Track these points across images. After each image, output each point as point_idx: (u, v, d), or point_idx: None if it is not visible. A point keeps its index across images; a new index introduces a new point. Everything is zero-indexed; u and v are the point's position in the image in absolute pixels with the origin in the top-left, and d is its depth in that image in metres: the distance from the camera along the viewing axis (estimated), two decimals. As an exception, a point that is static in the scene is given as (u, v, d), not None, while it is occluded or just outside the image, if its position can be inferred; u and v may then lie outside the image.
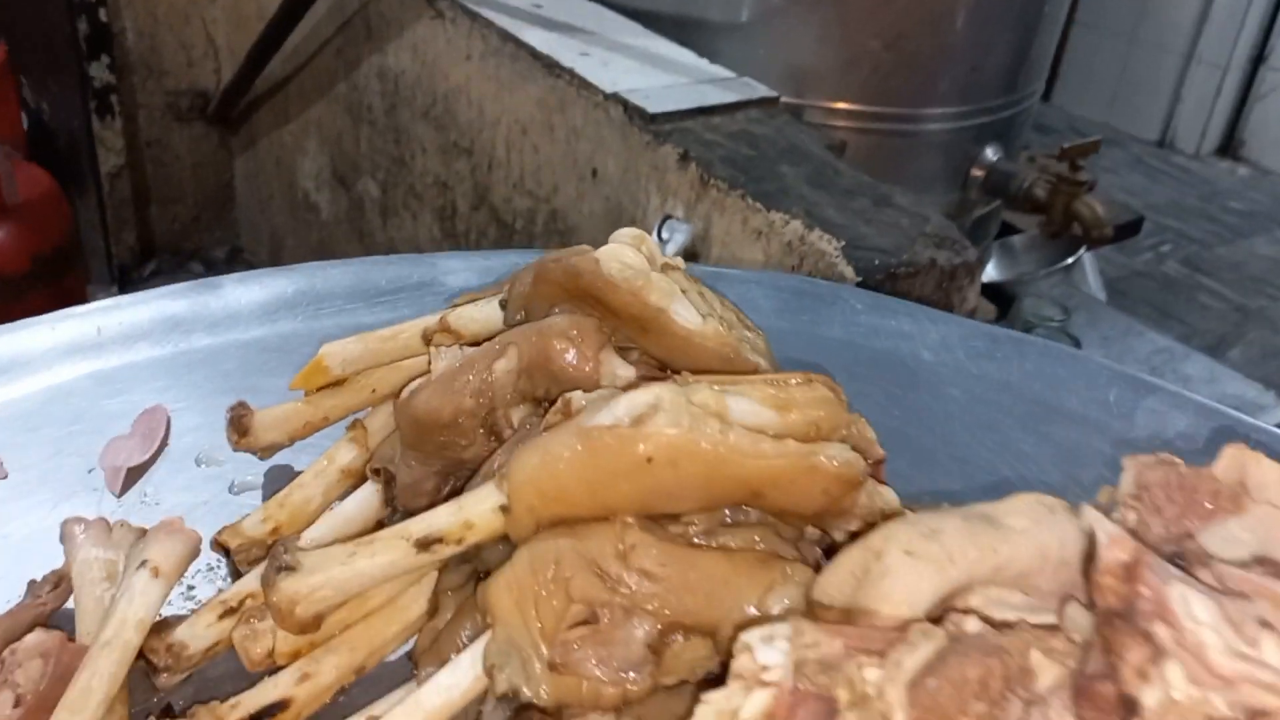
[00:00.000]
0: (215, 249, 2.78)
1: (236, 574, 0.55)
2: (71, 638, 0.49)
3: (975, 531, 0.37)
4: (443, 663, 0.47)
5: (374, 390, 0.60)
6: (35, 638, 0.47)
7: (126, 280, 2.61)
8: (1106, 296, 2.62)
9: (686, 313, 0.52)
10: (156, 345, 0.71)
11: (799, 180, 1.31)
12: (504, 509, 0.45)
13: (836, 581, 0.37)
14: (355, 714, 0.47)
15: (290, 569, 0.47)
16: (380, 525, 0.56)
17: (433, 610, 0.50)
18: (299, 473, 0.62)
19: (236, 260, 2.78)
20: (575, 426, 0.44)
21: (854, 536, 0.47)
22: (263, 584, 0.48)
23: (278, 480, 0.62)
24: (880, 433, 0.63)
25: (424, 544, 0.46)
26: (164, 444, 0.64)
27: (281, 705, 0.47)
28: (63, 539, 0.54)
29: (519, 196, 1.75)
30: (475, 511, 0.46)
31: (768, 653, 0.35)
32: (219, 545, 0.55)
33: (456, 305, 0.60)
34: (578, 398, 0.49)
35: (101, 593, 0.51)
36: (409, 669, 0.50)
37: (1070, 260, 2.23)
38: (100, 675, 0.45)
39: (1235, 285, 3.64)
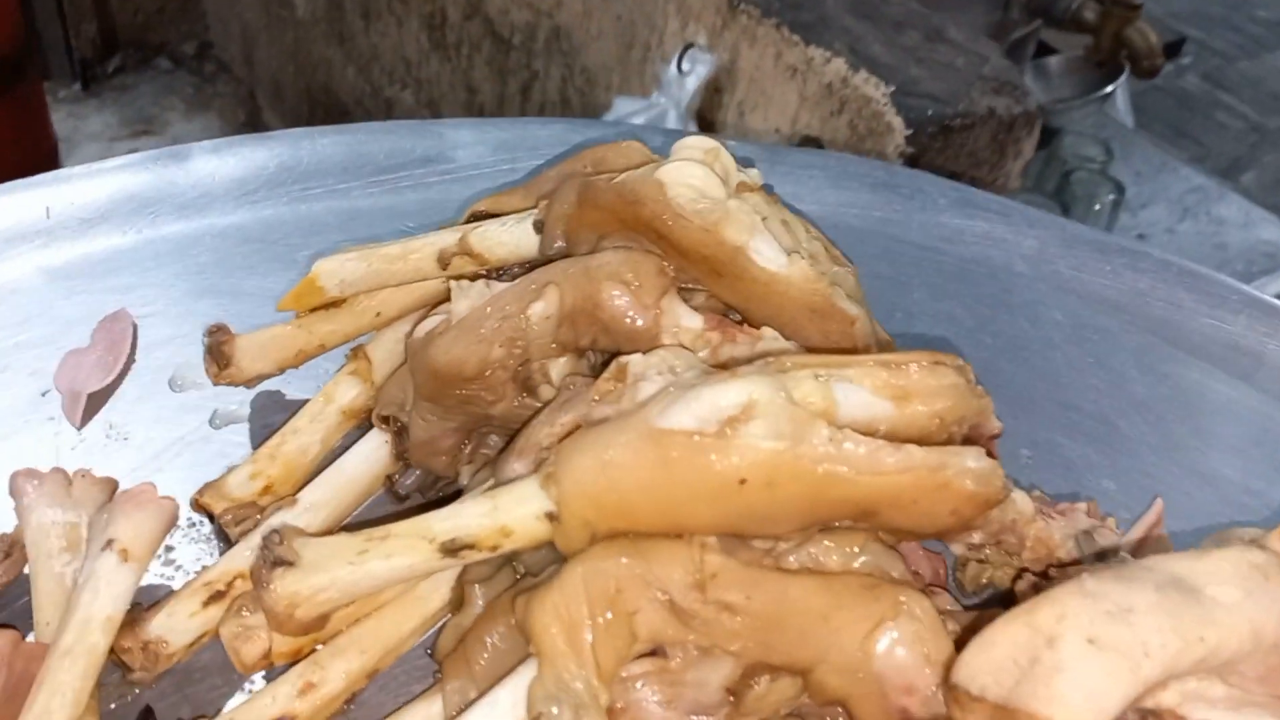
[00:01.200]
0: (183, 44, 2.58)
1: (222, 532, 0.47)
2: (25, 631, 0.41)
3: (1176, 611, 0.29)
4: (472, 673, 0.40)
5: (378, 314, 0.50)
6: (-15, 643, 0.39)
7: (89, 78, 2.43)
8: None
9: (769, 251, 0.42)
10: (116, 231, 0.60)
11: (841, 8, 1.17)
12: (551, 516, 0.36)
13: (991, 667, 0.29)
14: (370, 730, 0.40)
15: (288, 564, 0.39)
16: (390, 480, 0.48)
17: (458, 603, 0.42)
18: (289, 401, 0.53)
19: (205, 57, 2.58)
20: (644, 425, 0.35)
21: (975, 552, 0.39)
22: (254, 580, 0.40)
23: (266, 410, 0.53)
24: (970, 362, 0.54)
25: (450, 549, 0.38)
26: (130, 360, 0.54)
27: (282, 723, 0.40)
28: (12, 494, 0.46)
29: (517, 8, 1.58)
30: (514, 516, 0.37)
31: (913, 781, 0.27)
32: (200, 508, 0.46)
33: (477, 213, 0.50)
34: (637, 364, 0.40)
35: (61, 568, 0.43)
36: (429, 666, 0.43)
37: (1110, 89, 2.08)
38: (63, 693, 0.38)
39: (1255, 103, 3.47)
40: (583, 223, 0.43)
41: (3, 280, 0.57)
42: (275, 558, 0.39)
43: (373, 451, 0.47)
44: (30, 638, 0.42)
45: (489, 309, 0.43)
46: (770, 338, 0.42)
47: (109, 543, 0.41)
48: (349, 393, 0.49)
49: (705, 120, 1.28)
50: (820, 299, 0.42)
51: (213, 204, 0.62)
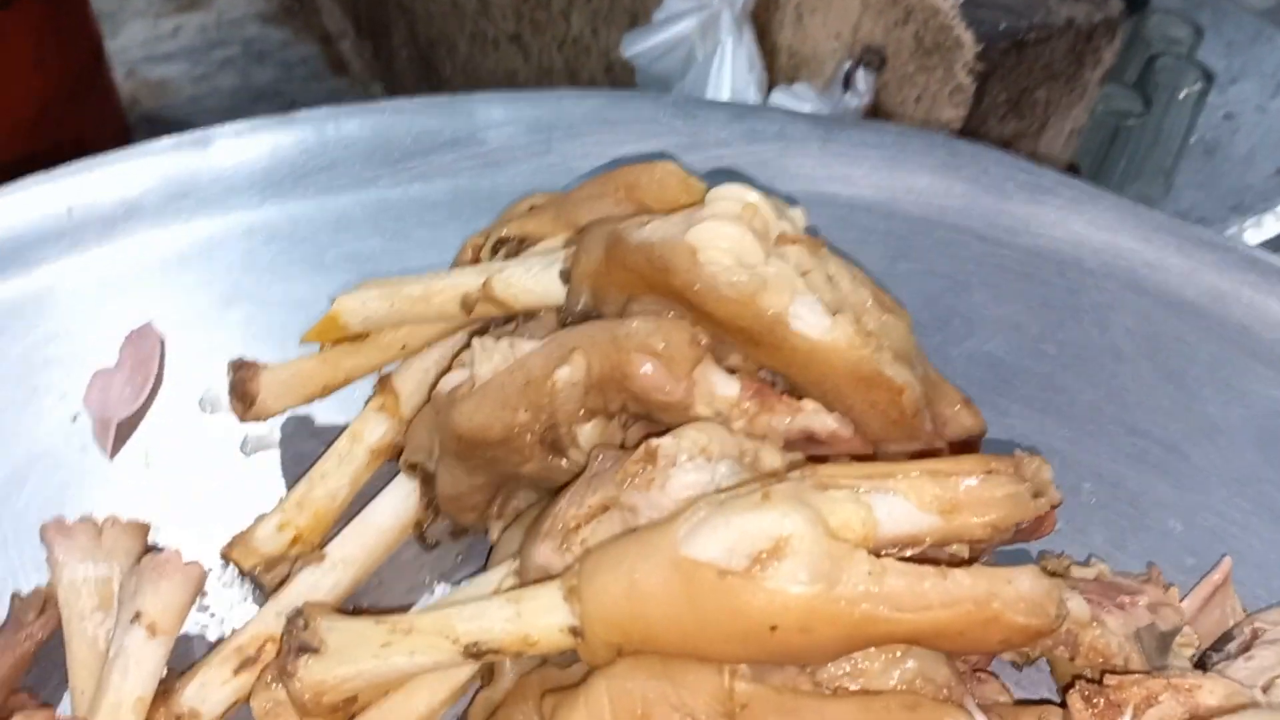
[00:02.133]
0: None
1: (254, 580, 0.47)
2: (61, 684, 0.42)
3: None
4: (503, 752, 0.39)
5: (404, 346, 0.48)
6: (18, 725, 0.39)
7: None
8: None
9: (810, 315, 0.38)
10: (141, 230, 0.58)
11: (909, -94, 1.07)
12: (575, 631, 0.35)
13: None
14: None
15: (313, 651, 0.38)
16: (419, 527, 0.47)
17: (488, 676, 0.42)
18: (320, 428, 0.52)
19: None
20: (671, 551, 0.33)
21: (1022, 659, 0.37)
22: (279, 670, 0.40)
23: (296, 436, 0.52)
24: (1032, 380, 0.51)
25: (473, 652, 0.36)
26: (159, 380, 0.53)
27: (313, 802, 0.40)
28: (44, 545, 0.45)
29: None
30: (537, 626, 0.35)
31: None
32: (229, 560, 0.46)
33: (502, 239, 0.47)
34: (668, 447, 0.37)
35: (94, 629, 0.43)
36: (462, 728, 0.43)
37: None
38: (97, 782, 0.38)
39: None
40: (611, 281, 0.40)
41: (27, 289, 0.56)
42: (300, 644, 0.38)
43: (401, 500, 0.46)
44: (66, 696, 0.43)
45: (513, 373, 0.41)
46: (812, 411, 0.39)
47: (137, 616, 0.41)
48: (376, 430, 0.47)
49: (761, 24, 1.21)
50: (866, 367, 0.39)
51: (236, 197, 0.59)
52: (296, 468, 0.50)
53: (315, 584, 0.44)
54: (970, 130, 1.07)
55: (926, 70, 1.04)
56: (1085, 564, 0.42)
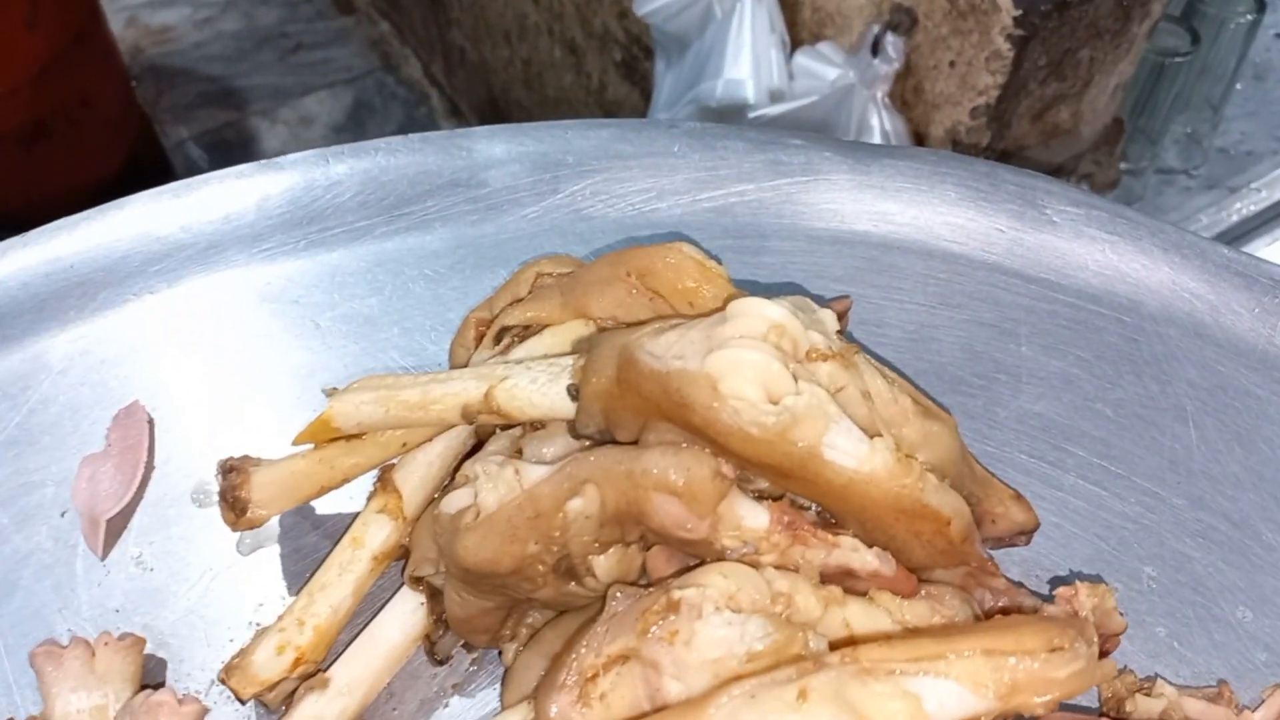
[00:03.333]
0: None
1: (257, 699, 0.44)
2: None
3: None
4: None
5: (404, 444, 0.45)
6: None
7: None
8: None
9: (846, 444, 0.35)
10: (128, 290, 0.54)
11: None
12: (596, 821, 0.32)
13: None
14: None
15: (316, 814, 0.36)
16: (429, 640, 0.44)
17: (506, 815, 0.39)
18: (321, 518, 0.49)
19: None
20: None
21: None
22: (283, 831, 0.37)
23: (296, 530, 0.49)
24: (1087, 444, 0.47)
25: (488, 826, 0.34)
26: (149, 468, 0.50)
27: None
28: (34, 672, 0.43)
29: None
30: (555, 810, 0.33)
31: None
32: (229, 688, 0.43)
33: (506, 328, 0.43)
34: (692, 598, 0.34)
35: (93, 768, 0.41)
36: None
37: None
38: None
39: None
40: (624, 405, 0.36)
41: (17, 360, 0.52)
42: (303, 805, 0.36)
43: (408, 614, 0.43)
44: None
45: (521, 505, 0.37)
46: (849, 547, 0.36)
47: (131, 762, 0.39)
48: (379, 534, 0.44)
49: (783, -19, 1.14)
50: (908, 499, 0.35)
51: (225, 253, 0.55)
52: (297, 563, 0.48)
53: (320, 714, 0.41)
54: (1008, 94, 1.01)
55: (961, 34, 0.97)
56: (1149, 686, 0.39)
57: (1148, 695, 0.38)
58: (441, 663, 0.44)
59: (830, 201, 0.54)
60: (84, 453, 0.50)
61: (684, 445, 0.36)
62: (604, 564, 0.38)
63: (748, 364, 0.34)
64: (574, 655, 0.36)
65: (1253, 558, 0.45)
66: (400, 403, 0.42)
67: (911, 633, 0.33)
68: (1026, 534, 0.42)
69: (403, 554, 0.45)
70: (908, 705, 0.29)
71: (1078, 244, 0.52)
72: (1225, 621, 0.44)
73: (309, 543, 0.48)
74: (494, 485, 0.37)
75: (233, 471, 0.45)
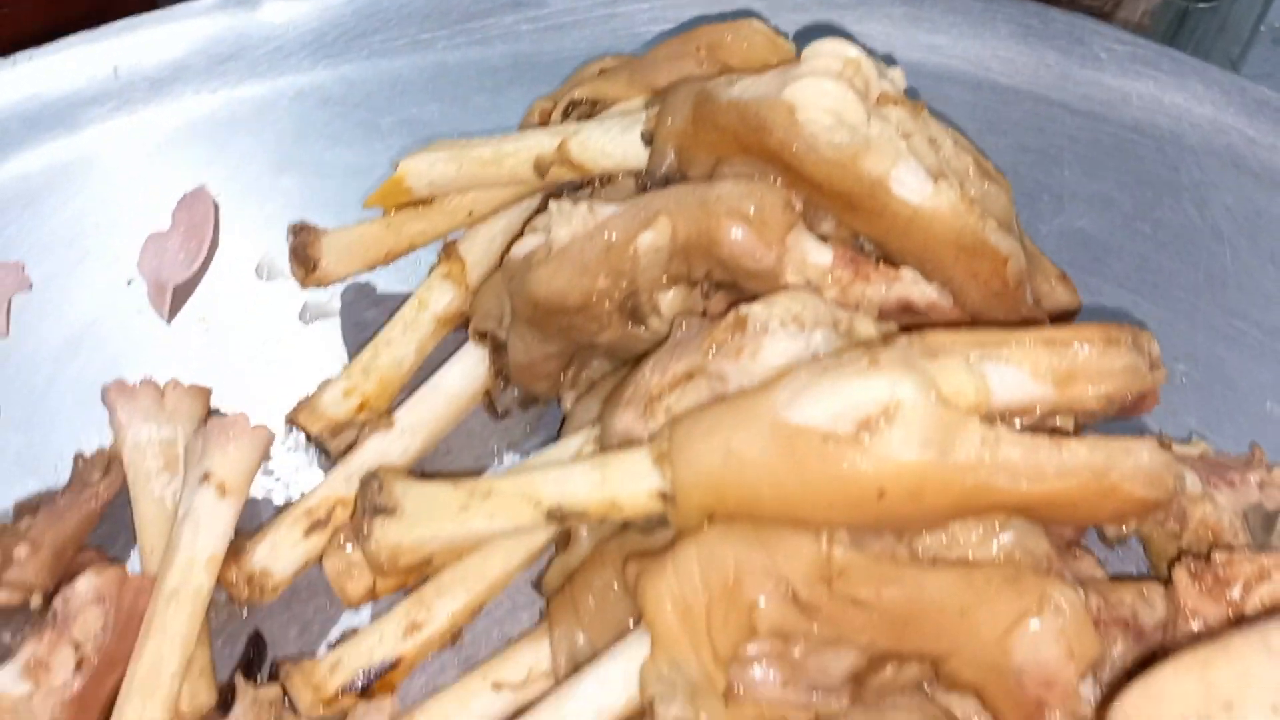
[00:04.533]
0: None
1: (320, 445, 0.46)
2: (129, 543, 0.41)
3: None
4: (580, 619, 0.39)
5: (471, 212, 0.46)
6: (89, 582, 0.38)
7: None
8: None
9: (913, 180, 0.36)
10: (189, 93, 0.56)
11: None
12: (664, 496, 0.34)
13: (1153, 716, 0.27)
14: (477, 671, 0.39)
15: (389, 513, 0.37)
16: (488, 396, 0.45)
17: (564, 541, 0.41)
18: (380, 295, 0.51)
19: None
20: (771, 417, 0.31)
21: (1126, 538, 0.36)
22: (354, 531, 0.39)
23: (357, 304, 0.50)
24: (1126, 258, 0.49)
25: (556, 515, 0.35)
26: (214, 245, 0.52)
27: (390, 665, 0.39)
28: (107, 408, 0.44)
29: None
30: (625, 490, 0.34)
31: None
32: (295, 425, 0.45)
33: (575, 101, 0.45)
34: (758, 315, 0.36)
35: (160, 490, 0.42)
36: (533, 597, 0.42)
37: None
38: (171, 638, 0.37)
39: None
40: (698, 142, 0.38)
41: (74, 152, 0.54)
42: (376, 506, 0.38)
43: (471, 368, 0.44)
44: (135, 554, 0.42)
45: (593, 238, 0.39)
46: (910, 280, 0.37)
47: (206, 476, 0.40)
48: (443, 298, 0.46)
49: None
50: (970, 236, 0.37)
51: (288, 60, 0.57)
52: (357, 336, 0.49)
53: (384, 450, 0.43)
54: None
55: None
56: (1186, 442, 0.41)
57: (1184, 444, 0.40)
58: (500, 416, 0.46)
59: (882, 33, 0.56)
60: (150, 232, 0.52)
61: (756, 177, 0.37)
62: (669, 300, 0.39)
63: (825, 92, 0.36)
64: (640, 376, 0.38)
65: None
66: (473, 159, 0.43)
67: (974, 324, 0.35)
68: (1069, 315, 0.44)
69: (463, 321, 0.46)
70: (974, 379, 0.31)
71: (1123, 79, 0.54)
72: (1253, 414, 0.45)
73: (369, 317, 0.49)
74: (566, 220, 0.39)
75: (304, 231, 0.47)
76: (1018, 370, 0.32)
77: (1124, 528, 0.39)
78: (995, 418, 0.31)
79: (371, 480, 0.38)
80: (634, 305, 0.40)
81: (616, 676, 0.35)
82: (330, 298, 0.50)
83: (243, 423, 0.41)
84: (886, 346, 0.32)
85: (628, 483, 0.34)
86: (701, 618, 0.33)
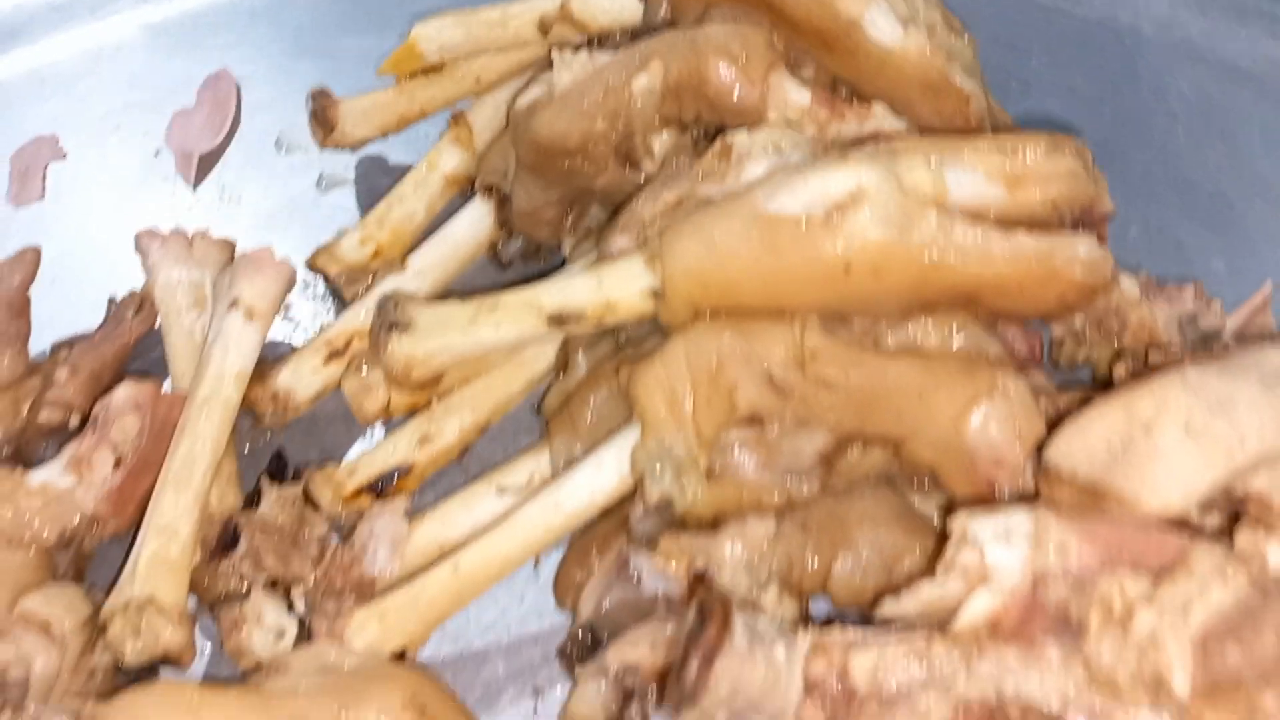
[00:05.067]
0: None
1: (335, 292, 0.49)
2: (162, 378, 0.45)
3: (1276, 402, 0.29)
4: (577, 431, 0.42)
5: (478, 79, 0.50)
6: (127, 391, 0.42)
7: None
8: None
9: (884, 23, 0.40)
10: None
11: None
12: (655, 293, 0.37)
13: (1085, 449, 0.30)
14: (482, 478, 0.43)
15: (403, 328, 0.41)
16: (494, 248, 0.49)
17: (562, 366, 0.44)
18: (392, 166, 0.54)
19: None
20: (751, 209, 0.35)
21: (1076, 338, 0.39)
22: (371, 343, 0.42)
23: (370, 173, 0.54)
24: (1087, 140, 0.52)
25: (557, 320, 0.39)
26: (236, 122, 0.55)
27: (403, 471, 0.43)
28: (139, 253, 0.48)
29: None
30: (620, 291, 0.38)
31: (1001, 553, 0.29)
32: (315, 269, 0.48)
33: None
34: (742, 143, 0.39)
35: (191, 324, 0.46)
36: (535, 422, 0.45)
37: None
38: (203, 441, 0.41)
39: None
40: (690, -12, 0.42)
41: (105, 39, 0.57)
42: (391, 322, 0.41)
43: (477, 219, 0.48)
44: (167, 385, 0.46)
45: (592, 82, 0.42)
46: (881, 115, 0.41)
47: (234, 302, 0.44)
48: (451, 160, 0.49)
49: None
50: (936, 75, 0.40)
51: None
52: (371, 202, 0.52)
53: (398, 287, 0.47)
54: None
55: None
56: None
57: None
58: (505, 266, 0.49)
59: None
60: (176, 109, 0.55)
61: (742, 21, 0.41)
62: (662, 142, 0.43)
63: (803, -64, 0.39)
64: (633, 206, 0.41)
65: (1230, 226, 0.51)
66: (480, 22, 0.47)
67: (932, 132, 0.38)
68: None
69: (469, 183, 0.50)
70: (932, 175, 0.34)
71: (1086, -23, 0.58)
72: (1201, 270, 0.49)
73: (381, 185, 0.53)
74: (567, 67, 0.43)
75: (323, 96, 0.50)
76: (972, 173, 0.35)
77: (1078, 357, 0.43)
78: (952, 211, 0.35)
79: (387, 300, 0.42)
80: (629, 148, 0.44)
81: (610, 461, 0.38)
82: (345, 168, 0.54)
83: (269, 256, 0.45)
84: (855, 148, 0.35)
85: (622, 284, 0.38)
86: (687, 402, 0.37)
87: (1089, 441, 0.30)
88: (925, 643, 0.29)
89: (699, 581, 0.34)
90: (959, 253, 0.33)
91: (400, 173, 0.53)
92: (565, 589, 0.42)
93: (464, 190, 0.50)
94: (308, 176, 0.54)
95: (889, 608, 0.31)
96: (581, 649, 0.40)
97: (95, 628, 0.38)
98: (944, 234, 0.33)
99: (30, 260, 0.46)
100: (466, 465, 0.45)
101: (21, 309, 0.46)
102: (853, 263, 0.33)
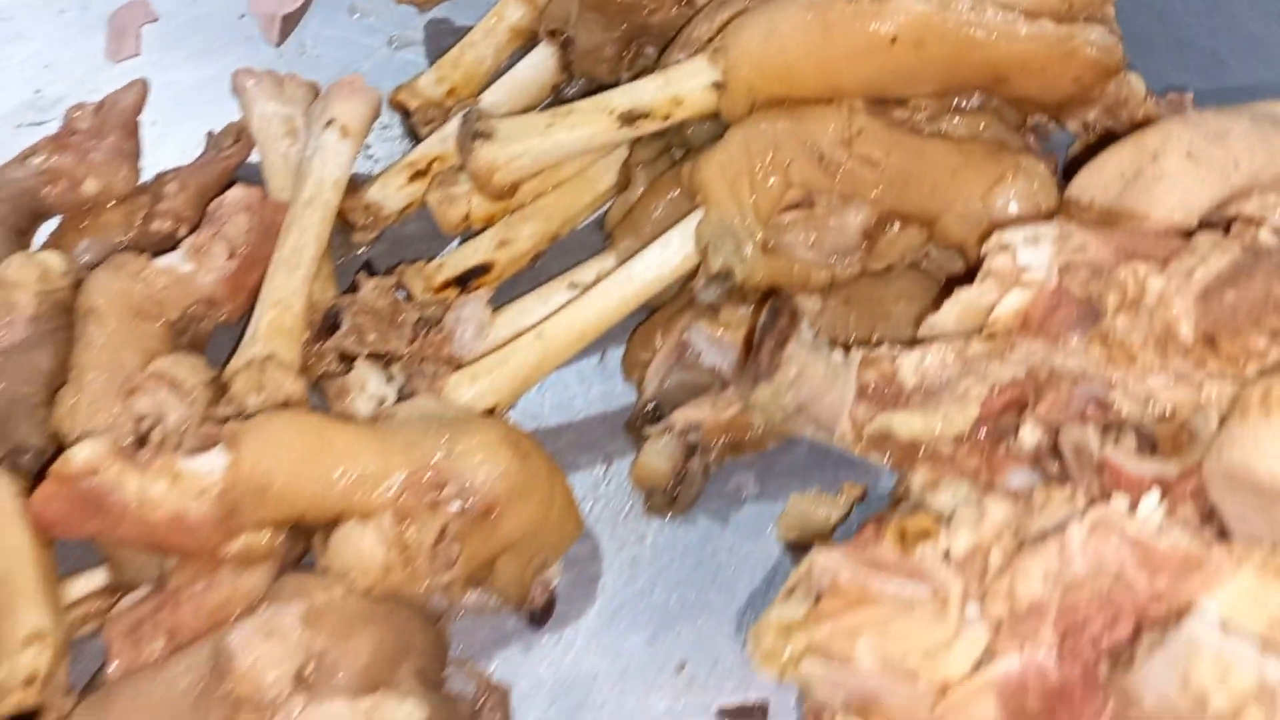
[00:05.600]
0: None
1: (412, 133, 0.54)
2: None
3: (1266, 135, 0.34)
4: (639, 235, 0.47)
5: (545, -61, 0.54)
6: (238, 193, 0.47)
7: None
8: None
9: None
10: None
11: None
12: (718, 86, 0.42)
13: (1100, 181, 0.35)
14: (554, 279, 0.48)
15: (486, 136, 0.46)
16: (555, 90, 0.54)
17: (624, 183, 0.49)
18: (458, 27, 0.59)
19: None
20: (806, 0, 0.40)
21: (1089, 130, 0.44)
22: (458, 150, 0.47)
23: (437, 34, 0.59)
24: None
25: (628, 119, 0.44)
26: (313, -12, 0.60)
27: (483, 269, 0.48)
28: (236, 91, 0.53)
29: None
30: (685, 87, 0.43)
31: (1030, 253, 0.34)
32: (396, 104, 0.53)
33: None
34: (792, -41, 0.44)
35: (286, 149, 0.51)
36: (598, 239, 0.50)
37: None
38: (308, 232, 0.46)
39: None
40: None
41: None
42: (475, 130, 0.46)
43: (542, 61, 0.53)
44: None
45: (655, -80, 0.47)
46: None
47: (330, 122, 0.49)
48: (516, 12, 0.54)
49: None
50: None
51: None
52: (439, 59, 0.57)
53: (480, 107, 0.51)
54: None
55: None
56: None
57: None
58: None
59: None
60: (254, -19, 0.60)
61: None
62: (715, -23, 0.48)
63: None
64: (691, 28, 0.46)
65: (1223, 79, 0.56)
66: (550, -123, 0.52)
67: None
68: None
69: (530, 36, 0.55)
70: (965, -36, 0.39)
71: None
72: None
73: (448, 45, 0.56)
74: (633, -93, 0.48)
75: (400, -47, 0.55)
76: (998, -31, 0.40)
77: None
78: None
79: (470, 113, 0.46)
80: (685, -14, 0.48)
81: (676, 240, 0.43)
82: (415, 30, 0.59)
83: (360, 81, 0.50)
84: (896, -51, 0.40)
85: (687, 80, 0.43)
86: (746, 181, 0.42)
87: (1104, 174, 0.35)
88: (964, 342, 0.34)
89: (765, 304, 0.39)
90: (990, 28, 0.38)
91: (464, 34, 0.58)
92: (632, 366, 0.47)
93: (525, 43, 0.55)
94: (380, 36, 0.58)
95: (929, 324, 0.36)
96: (646, 421, 0.45)
97: (219, 386, 0.43)
98: (977, 13, 0.38)
99: (139, 88, 0.51)
100: (538, 272, 0.50)
101: (133, 129, 0.50)
102: (898, 34, 0.38)
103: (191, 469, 0.37)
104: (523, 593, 0.42)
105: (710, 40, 0.43)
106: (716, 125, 0.44)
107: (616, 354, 0.48)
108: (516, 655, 0.43)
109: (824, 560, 0.30)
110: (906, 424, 0.34)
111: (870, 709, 0.29)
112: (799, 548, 0.43)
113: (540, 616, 0.42)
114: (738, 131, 0.42)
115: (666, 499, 0.44)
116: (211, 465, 0.38)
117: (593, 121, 0.44)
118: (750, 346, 0.36)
